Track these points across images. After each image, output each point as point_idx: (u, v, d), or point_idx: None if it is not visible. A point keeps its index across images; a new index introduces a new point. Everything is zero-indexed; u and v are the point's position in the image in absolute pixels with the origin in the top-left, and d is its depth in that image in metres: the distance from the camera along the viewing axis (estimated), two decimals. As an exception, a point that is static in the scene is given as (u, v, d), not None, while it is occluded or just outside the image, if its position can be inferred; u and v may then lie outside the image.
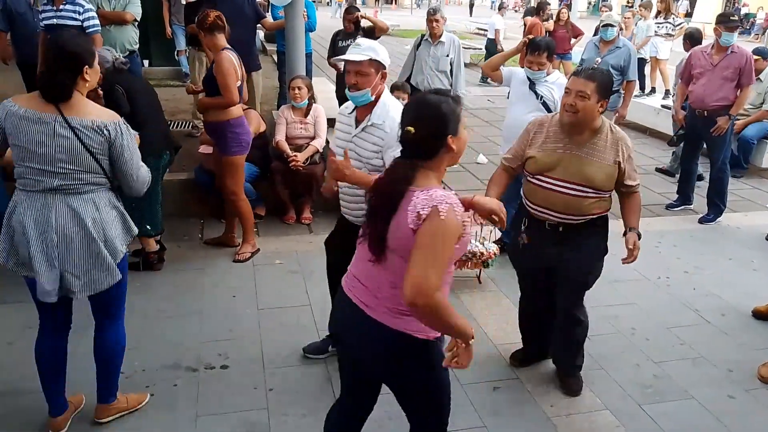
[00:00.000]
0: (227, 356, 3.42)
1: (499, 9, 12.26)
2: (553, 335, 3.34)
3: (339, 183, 2.98)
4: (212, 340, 3.57)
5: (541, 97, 4.30)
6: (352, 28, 6.47)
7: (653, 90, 10.69)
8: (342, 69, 4.16)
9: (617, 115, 6.43)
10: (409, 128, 1.90)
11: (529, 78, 4.35)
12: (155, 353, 3.39)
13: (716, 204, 5.75)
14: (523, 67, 4.51)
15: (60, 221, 2.49)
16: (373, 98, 2.85)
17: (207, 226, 5.15)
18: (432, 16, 6.09)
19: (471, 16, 35.20)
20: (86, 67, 2.53)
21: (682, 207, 6.08)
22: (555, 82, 4.33)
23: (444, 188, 1.94)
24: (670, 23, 10.48)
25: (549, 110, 4.30)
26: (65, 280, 2.54)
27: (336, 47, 6.54)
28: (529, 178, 3.04)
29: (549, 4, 10.99)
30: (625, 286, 4.42)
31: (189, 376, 3.25)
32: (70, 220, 2.50)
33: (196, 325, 3.71)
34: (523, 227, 3.12)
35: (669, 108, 8.28)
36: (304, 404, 3.07)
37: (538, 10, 10.56)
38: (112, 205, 2.63)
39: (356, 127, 2.93)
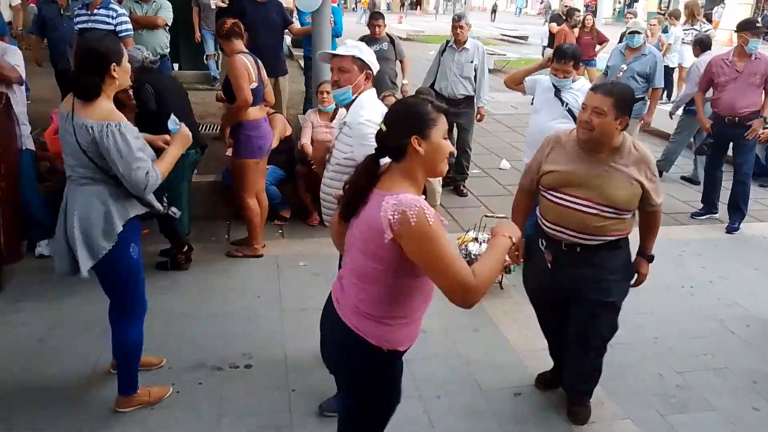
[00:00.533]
0: (251, 356, 3.48)
1: (551, 21, 11.79)
2: (566, 359, 3.15)
3: (321, 183, 3.09)
4: (237, 339, 3.63)
5: (567, 104, 4.31)
6: (378, 33, 6.53)
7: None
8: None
9: (642, 122, 6.40)
10: (382, 126, 1.94)
11: (554, 85, 4.36)
12: (181, 352, 3.46)
13: (740, 209, 5.70)
14: (547, 75, 4.52)
15: (67, 207, 2.73)
16: (353, 97, 2.87)
17: (234, 227, 5.23)
18: (457, 22, 6.11)
19: (493, 21, 35.11)
20: (113, 65, 2.63)
21: (708, 216, 6.02)
22: (580, 89, 4.32)
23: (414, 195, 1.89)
24: (696, 29, 10.38)
25: (574, 117, 4.30)
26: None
27: None
28: (544, 193, 2.89)
29: (578, 11, 10.90)
30: (648, 294, 4.35)
31: (213, 375, 3.32)
32: (69, 208, 2.71)
33: (221, 325, 3.78)
34: (542, 246, 2.95)
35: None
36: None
37: (567, 17, 10.48)
38: (101, 200, 2.68)
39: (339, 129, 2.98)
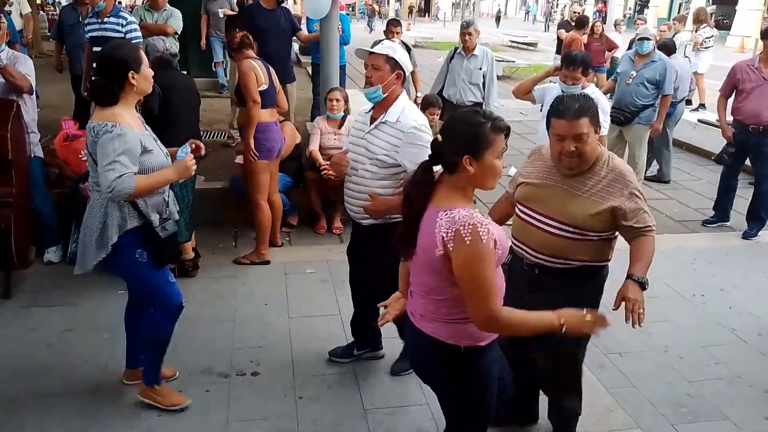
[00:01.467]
0: (258, 363, 3.47)
1: (560, 27, 11.66)
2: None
3: (346, 178, 3.15)
4: (244, 346, 3.63)
5: (575, 111, 4.28)
6: (394, 40, 6.53)
7: (702, 106, 10.46)
8: None
9: (652, 129, 6.36)
10: (438, 136, 1.97)
11: (563, 92, 4.34)
12: (189, 358, 3.45)
13: (760, 217, 5.65)
14: (557, 83, 4.50)
15: (87, 212, 2.79)
16: (384, 95, 2.96)
17: (241, 234, 5.23)
18: (465, 29, 6.12)
19: (497, 28, 35.18)
20: (131, 72, 2.66)
21: (719, 224, 5.96)
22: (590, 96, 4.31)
23: (469, 208, 1.92)
24: (699, 35, 10.39)
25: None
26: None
27: None
28: (516, 206, 2.69)
29: (596, 21, 10.86)
30: (659, 302, 4.35)
31: (221, 381, 3.31)
32: (87, 212, 2.78)
33: (228, 332, 3.77)
34: (506, 263, 2.47)
35: (707, 123, 8.16)
36: (332, 412, 3.09)
37: (581, 25, 10.45)
38: (102, 211, 2.70)
39: (370, 124, 3.06)
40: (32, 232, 4.30)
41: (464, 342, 2.01)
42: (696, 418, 3.18)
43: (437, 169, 2.00)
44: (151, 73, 2.79)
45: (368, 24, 33.38)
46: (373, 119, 3.06)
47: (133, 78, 2.67)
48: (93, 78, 2.69)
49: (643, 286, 2.41)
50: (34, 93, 4.27)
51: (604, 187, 2.43)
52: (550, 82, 4.78)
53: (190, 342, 3.61)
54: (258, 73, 4.40)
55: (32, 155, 4.29)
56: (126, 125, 2.63)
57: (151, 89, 2.83)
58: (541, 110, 4.92)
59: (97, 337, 3.65)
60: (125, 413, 3.05)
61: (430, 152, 2.01)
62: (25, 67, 4.12)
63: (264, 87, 4.44)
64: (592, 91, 4.37)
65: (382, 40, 3.66)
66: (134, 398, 3.12)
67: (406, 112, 2.97)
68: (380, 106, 3.01)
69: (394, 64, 2.95)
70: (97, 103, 2.67)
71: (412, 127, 2.90)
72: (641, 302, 2.36)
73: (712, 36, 10.59)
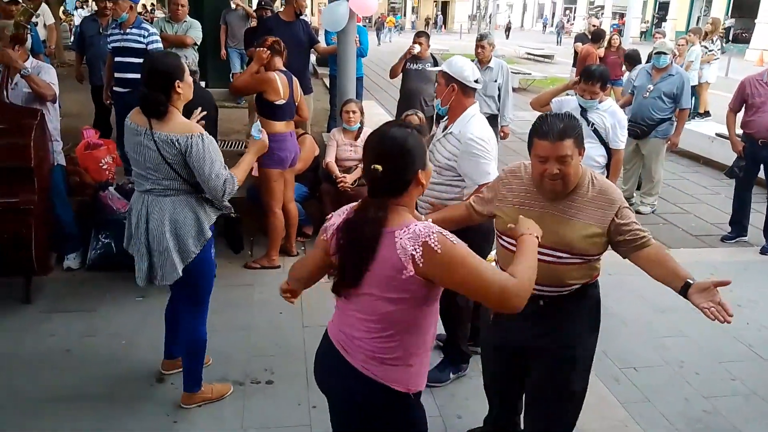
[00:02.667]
0: (273, 372, 3.50)
1: (576, 41, 11.57)
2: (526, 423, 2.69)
3: None
4: (259, 355, 3.65)
5: (593, 124, 4.29)
6: (420, 53, 6.60)
7: (707, 113, 10.60)
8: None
9: (669, 143, 6.34)
10: (376, 166, 1.79)
11: (581, 105, 4.35)
12: (205, 366, 3.47)
13: None
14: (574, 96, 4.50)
15: (150, 219, 2.82)
16: (444, 108, 3.23)
17: (257, 243, 5.27)
18: (479, 41, 6.17)
19: (507, 39, 35.24)
20: (177, 81, 2.76)
21: (737, 239, 5.91)
22: (607, 110, 4.32)
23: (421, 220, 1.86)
24: (705, 47, 10.45)
25: (600, 137, 4.28)
26: (152, 268, 2.89)
27: (405, 67, 6.72)
28: (498, 239, 2.52)
29: (613, 35, 10.88)
30: (675, 316, 4.32)
31: (236, 389, 3.34)
32: (156, 219, 2.81)
33: (243, 340, 3.81)
34: None
35: (724, 137, 8.10)
36: None
37: (597, 38, 10.45)
38: (190, 209, 2.84)
39: (441, 132, 3.28)
40: (53, 239, 4.37)
41: (413, 388, 1.91)
42: (712, 434, 3.16)
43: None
44: (192, 80, 2.90)
45: (377, 36, 33.37)
46: (444, 129, 3.27)
47: (179, 87, 2.77)
48: (142, 90, 2.77)
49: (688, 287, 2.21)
50: (57, 102, 4.36)
51: (592, 208, 2.31)
52: (567, 94, 4.78)
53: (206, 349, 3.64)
54: (278, 87, 4.48)
55: (55, 163, 4.37)
56: (201, 131, 2.78)
57: (191, 96, 2.93)
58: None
59: (115, 343, 3.71)
60: (142, 417, 3.09)
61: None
62: (49, 77, 4.21)
63: (282, 101, 4.51)
64: (609, 104, 4.38)
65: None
66: (150, 402, 3.17)
67: (470, 124, 3.15)
68: (450, 118, 3.23)
69: (448, 78, 3.17)
70: (150, 116, 2.74)
71: (468, 138, 3.08)
72: (717, 297, 2.17)
73: (720, 48, 10.73)
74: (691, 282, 2.20)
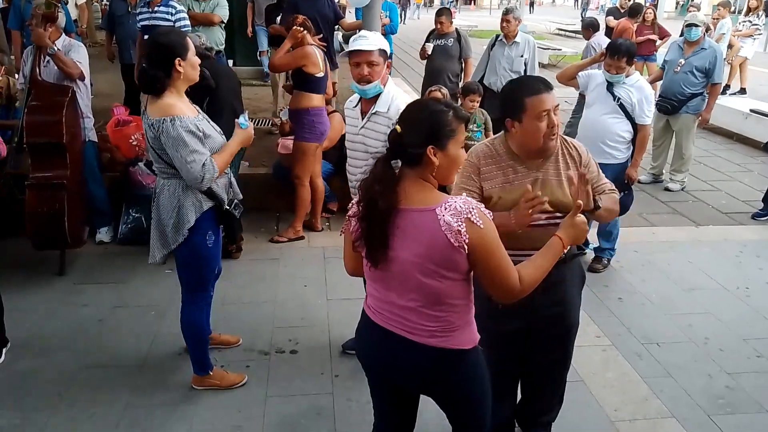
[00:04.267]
0: (297, 342, 3.58)
1: (608, 15, 11.28)
2: (526, 393, 2.82)
3: (350, 178, 3.11)
4: (284, 326, 3.74)
5: (619, 98, 4.23)
6: (441, 29, 6.55)
7: (743, 90, 10.37)
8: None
9: (700, 119, 6.21)
10: (397, 126, 1.83)
11: (607, 81, 4.28)
12: (234, 346, 3.55)
13: None
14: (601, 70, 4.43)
15: (155, 200, 2.85)
16: (383, 89, 2.92)
17: (282, 219, 5.35)
18: (504, 16, 6.11)
19: (530, 13, 34.52)
20: (178, 59, 2.67)
21: (768, 216, 5.79)
22: (634, 85, 4.25)
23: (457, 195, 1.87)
24: (749, 21, 10.17)
25: (626, 112, 4.22)
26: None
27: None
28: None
29: (647, 8, 10.59)
30: (701, 294, 4.29)
31: (261, 358, 3.43)
32: (156, 200, 2.83)
33: (269, 312, 3.89)
34: None
35: (759, 113, 7.92)
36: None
37: (634, 13, 10.20)
38: (176, 196, 2.78)
39: (362, 119, 3.00)
40: (86, 213, 4.50)
41: (477, 340, 1.98)
42: (734, 410, 3.14)
43: (396, 163, 1.85)
44: (198, 60, 2.79)
45: (401, 14, 32.87)
46: (363, 113, 3.00)
47: (180, 65, 2.67)
48: (141, 67, 2.73)
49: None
50: (88, 79, 4.45)
51: (567, 164, 2.36)
52: (595, 68, 4.70)
53: (231, 321, 3.74)
54: (319, 61, 4.55)
55: (86, 140, 4.48)
56: (181, 114, 2.67)
57: (198, 78, 2.82)
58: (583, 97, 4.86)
59: (146, 314, 3.82)
60: (170, 386, 3.20)
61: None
62: (78, 55, 4.29)
63: (321, 74, 4.59)
64: (636, 79, 4.30)
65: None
66: (179, 372, 3.27)
67: (396, 99, 2.90)
68: (368, 99, 2.96)
69: (385, 55, 2.91)
70: (145, 92, 2.71)
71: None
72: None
73: (766, 23, 10.42)
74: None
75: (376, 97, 2.94)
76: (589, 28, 7.66)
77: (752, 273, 4.65)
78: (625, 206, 4.38)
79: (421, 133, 1.81)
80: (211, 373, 3.16)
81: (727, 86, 10.46)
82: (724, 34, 10.06)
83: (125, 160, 4.94)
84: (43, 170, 4.06)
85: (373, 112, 2.94)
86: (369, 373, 2.16)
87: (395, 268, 1.86)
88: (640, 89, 4.24)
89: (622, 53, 4.17)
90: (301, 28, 4.52)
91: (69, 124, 4.09)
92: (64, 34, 4.36)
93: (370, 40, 2.88)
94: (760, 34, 10.64)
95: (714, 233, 5.40)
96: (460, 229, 1.74)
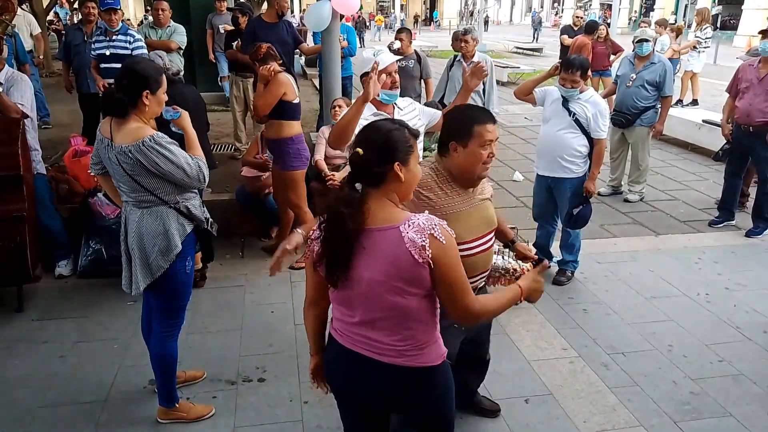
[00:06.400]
0: (265, 369, 3.53)
1: (563, 33, 11.61)
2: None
3: None
4: (251, 354, 3.68)
5: (574, 114, 4.32)
6: (402, 48, 6.64)
7: (695, 102, 10.74)
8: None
9: (654, 130, 6.38)
10: (358, 149, 1.87)
11: (562, 95, 4.38)
12: (197, 367, 3.51)
13: (764, 217, 5.63)
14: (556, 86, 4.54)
15: (128, 229, 2.82)
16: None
17: (247, 244, 5.31)
18: (462, 36, 6.21)
19: (486, 31, 35.20)
20: (147, 92, 2.65)
21: (725, 223, 5.94)
22: (588, 100, 4.35)
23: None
24: (695, 35, 10.64)
25: (582, 127, 4.32)
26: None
27: None
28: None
29: (601, 25, 10.93)
30: (663, 302, 4.37)
31: (228, 388, 3.37)
32: (130, 230, 2.79)
33: (236, 340, 3.84)
34: None
35: (711, 123, 8.18)
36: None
37: (591, 30, 10.51)
38: (160, 221, 2.75)
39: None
40: (39, 247, 4.38)
41: (442, 356, 2.00)
42: (700, 415, 3.20)
43: (359, 186, 1.89)
44: (165, 98, 2.78)
45: (358, 36, 33.37)
46: (390, 115, 3.21)
47: (147, 98, 2.65)
48: (109, 88, 2.68)
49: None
50: (34, 114, 4.32)
51: (484, 183, 2.53)
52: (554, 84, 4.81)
53: (197, 351, 3.68)
54: (293, 88, 4.54)
55: (35, 172, 4.38)
56: (153, 132, 2.67)
57: (158, 114, 2.80)
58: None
59: (109, 348, 3.73)
60: (135, 420, 3.12)
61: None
62: (20, 90, 4.14)
63: (297, 100, 4.58)
64: (590, 94, 4.41)
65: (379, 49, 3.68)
66: (144, 406, 3.19)
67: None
68: (386, 104, 3.23)
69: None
70: (107, 112, 2.67)
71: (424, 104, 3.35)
72: None
73: (711, 37, 10.82)
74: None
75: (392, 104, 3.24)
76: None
77: (712, 279, 4.77)
78: (584, 218, 4.48)
79: (384, 151, 1.86)
80: (178, 406, 3.09)
81: (680, 101, 10.80)
82: (661, 50, 10.44)
83: (84, 191, 4.85)
84: (2, 203, 3.95)
85: (400, 108, 3.24)
86: (338, 395, 2.16)
87: (360, 288, 1.87)
88: (594, 104, 4.34)
89: (575, 67, 4.27)
90: (269, 67, 4.46)
91: (24, 156, 4.01)
92: (7, 65, 4.26)
93: (391, 54, 3.21)
94: (707, 47, 11.01)
95: (673, 242, 5.54)
96: (424, 244, 1.77)
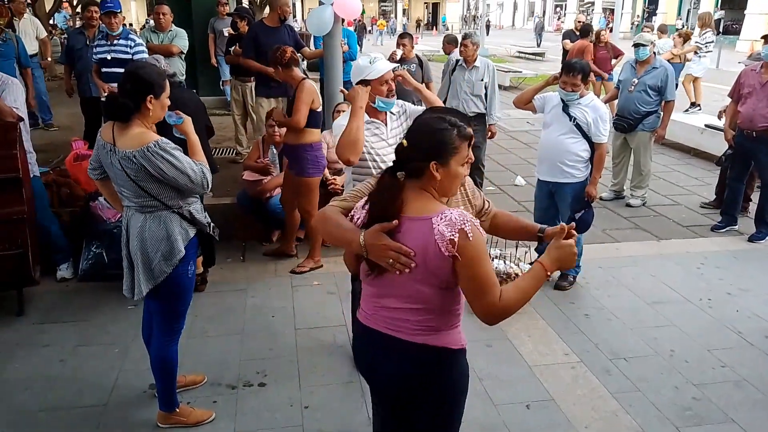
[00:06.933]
0: (265, 374, 3.52)
1: (564, 38, 11.64)
2: None
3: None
4: (251, 358, 3.67)
5: (574, 118, 4.32)
6: (405, 53, 6.65)
7: (698, 106, 10.72)
8: None
9: (656, 135, 6.38)
10: (403, 141, 1.94)
11: (562, 100, 4.38)
12: (197, 371, 3.50)
13: (766, 222, 5.62)
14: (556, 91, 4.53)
15: (129, 233, 2.81)
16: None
17: (249, 248, 5.30)
18: (463, 40, 6.23)
19: (487, 35, 35.21)
20: (151, 96, 2.65)
21: (727, 228, 5.93)
22: (588, 105, 4.34)
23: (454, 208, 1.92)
24: (699, 43, 10.62)
25: (583, 131, 4.31)
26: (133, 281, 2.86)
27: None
28: None
29: (602, 29, 10.94)
30: (665, 307, 4.36)
31: (228, 393, 3.36)
32: (132, 234, 2.79)
33: (236, 344, 3.83)
34: None
35: (714, 128, 8.17)
36: (337, 422, 3.13)
37: (585, 33, 10.51)
38: (163, 226, 2.75)
39: (386, 126, 3.23)
40: (38, 250, 4.37)
41: (462, 342, 2.05)
42: (702, 421, 3.18)
43: (401, 174, 1.94)
44: (168, 103, 2.78)
45: (358, 40, 33.51)
46: (384, 122, 3.23)
47: (150, 102, 2.66)
48: (112, 93, 2.67)
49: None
50: (27, 117, 4.31)
51: (461, 192, 2.44)
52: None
53: (198, 355, 3.67)
54: (317, 97, 4.55)
55: (31, 175, 4.37)
56: (157, 138, 2.66)
57: (161, 118, 2.80)
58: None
59: (109, 352, 3.73)
60: (135, 425, 3.11)
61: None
62: (12, 94, 4.12)
63: (320, 108, 4.60)
64: (590, 99, 4.40)
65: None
66: (145, 411, 3.19)
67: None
68: (381, 112, 3.22)
69: None
70: (110, 117, 2.67)
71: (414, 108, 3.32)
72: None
73: (713, 41, 10.81)
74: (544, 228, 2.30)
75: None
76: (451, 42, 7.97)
77: (714, 284, 4.75)
78: (586, 223, 4.45)
79: (424, 148, 1.89)
80: (178, 410, 3.08)
81: (692, 104, 10.78)
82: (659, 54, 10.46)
83: (85, 194, 4.85)
84: (2, 206, 3.95)
85: (393, 113, 3.25)
86: (367, 381, 2.22)
87: (391, 273, 1.91)
88: (594, 109, 4.34)
89: (576, 71, 4.26)
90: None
91: (22, 159, 4.01)
92: (18, 68, 4.28)
93: (383, 60, 3.14)
94: (709, 51, 10.99)
95: (676, 246, 5.52)
96: (452, 238, 1.80)
